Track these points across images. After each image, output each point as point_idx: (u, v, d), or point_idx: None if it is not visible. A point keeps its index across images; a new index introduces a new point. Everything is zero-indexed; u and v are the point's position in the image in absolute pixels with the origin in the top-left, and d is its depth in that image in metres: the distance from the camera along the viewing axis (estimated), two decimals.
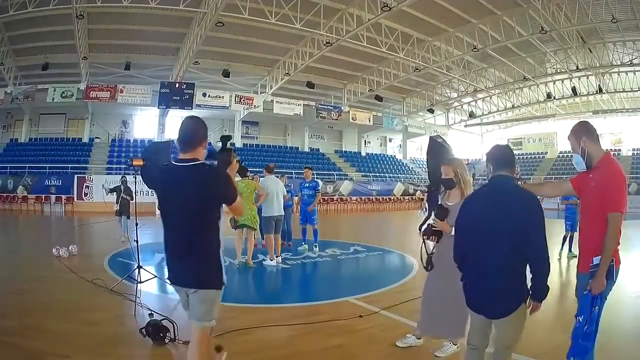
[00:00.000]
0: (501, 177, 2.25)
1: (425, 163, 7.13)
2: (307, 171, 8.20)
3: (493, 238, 2.14)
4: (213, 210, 2.24)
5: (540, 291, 2.15)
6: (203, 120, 2.33)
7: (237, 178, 6.64)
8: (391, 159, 31.46)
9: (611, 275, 2.31)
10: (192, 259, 2.21)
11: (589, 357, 2.38)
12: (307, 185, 7.99)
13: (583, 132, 2.47)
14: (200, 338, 2.28)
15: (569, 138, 2.57)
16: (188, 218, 2.20)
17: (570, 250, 7.38)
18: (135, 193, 4.54)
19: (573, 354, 2.33)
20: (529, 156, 32.59)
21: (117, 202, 8.65)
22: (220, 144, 2.47)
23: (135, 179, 4.62)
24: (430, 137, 5.72)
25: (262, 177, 7.36)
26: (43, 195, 17.74)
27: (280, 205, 6.89)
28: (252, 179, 7.29)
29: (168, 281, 2.52)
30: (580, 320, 2.31)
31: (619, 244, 2.36)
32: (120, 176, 9.38)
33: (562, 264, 7.08)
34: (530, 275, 2.15)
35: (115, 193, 8.76)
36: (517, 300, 2.17)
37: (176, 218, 2.25)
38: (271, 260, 6.61)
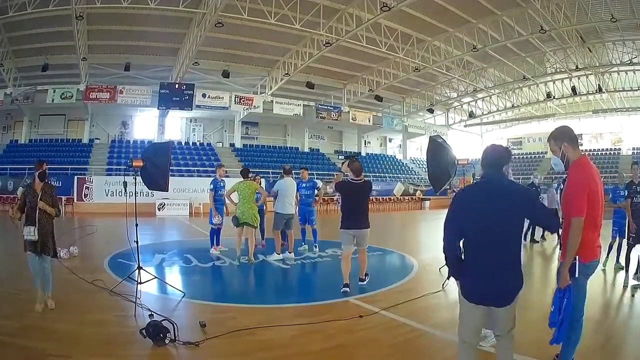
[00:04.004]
0: (493, 175, 2.35)
1: (426, 163, 7.12)
2: (303, 172, 8.14)
3: (502, 228, 2.22)
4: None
5: (556, 227, 2.51)
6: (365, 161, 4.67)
7: (240, 179, 6.89)
8: (391, 159, 31.46)
9: (573, 273, 2.48)
10: (363, 214, 5.08)
11: (571, 347, 2.61)
12: (304, 185, 7.91)
13: (565, 139, 2.65)
14: (365, 254, 5.27)
15: (549, 141, 2.72)
16: (364, 200, 5.12)
17: (617, 260, 6.11)
18: (135, 194, 4.43)
19: (555, 341, 2.54)
20: (528, 156, 32.51)
21: (29, 223, 4.21)
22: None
23: (135, 179, 4.61)
24: (430, 137, 5.74)
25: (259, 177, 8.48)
26: None
27: (291, 204, 7.34)
28: (254, 179, 7.76)
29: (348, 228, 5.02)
30: (552, 309, 2.54)
31: (597, 238, 2.58)
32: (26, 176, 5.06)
33: (607, 276, 5.84)
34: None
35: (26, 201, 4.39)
36: (521, 283, 2.27)
37: (359, 203, 5.05)
38: (278, 254, 6.97)
